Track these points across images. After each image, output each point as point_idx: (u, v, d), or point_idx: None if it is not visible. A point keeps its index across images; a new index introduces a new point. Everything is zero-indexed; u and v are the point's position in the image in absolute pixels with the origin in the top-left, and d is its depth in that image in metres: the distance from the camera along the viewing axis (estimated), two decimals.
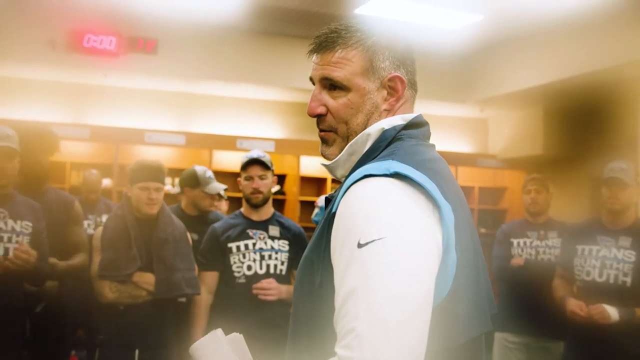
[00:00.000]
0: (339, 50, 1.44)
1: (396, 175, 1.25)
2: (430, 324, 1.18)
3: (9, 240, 3.19)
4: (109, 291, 3.28)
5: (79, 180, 7.26)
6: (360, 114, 1.44)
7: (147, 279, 3.30)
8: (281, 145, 8.20)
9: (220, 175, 8.22)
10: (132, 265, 3.30)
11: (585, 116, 8.02)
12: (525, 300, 4.37)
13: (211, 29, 7.37)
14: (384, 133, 1.41)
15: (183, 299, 3.46)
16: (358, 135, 1.42)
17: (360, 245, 1.17)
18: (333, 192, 1.44)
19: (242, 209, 3.73)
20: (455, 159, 8.63)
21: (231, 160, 8.45)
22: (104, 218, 5.25)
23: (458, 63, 8.32)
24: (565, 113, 8.35)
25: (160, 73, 7.41)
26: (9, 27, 6.71)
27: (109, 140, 7.75)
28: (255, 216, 3.66)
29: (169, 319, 3.43)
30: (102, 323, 3.42)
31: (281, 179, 8.69)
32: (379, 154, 1.37)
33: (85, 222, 5.57)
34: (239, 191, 3.76)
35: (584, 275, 3.69)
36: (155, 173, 3.43)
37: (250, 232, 3.59)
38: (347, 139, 1.46)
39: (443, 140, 9.38)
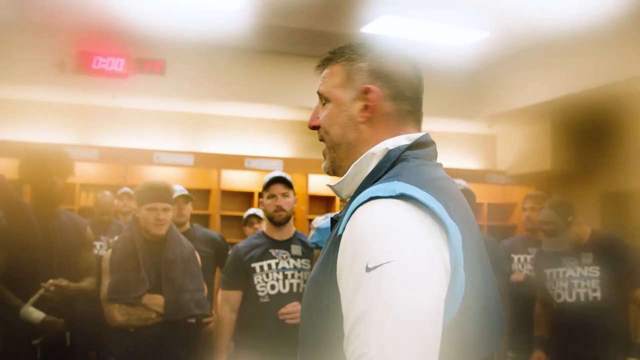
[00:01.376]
0: (329, 66, 1.51)
1: (402, 197, 1.24)
2: (442, 343, 1.16)
3: None
4: (118, 314, 3.28)
5: (88, 201, 7.29)
6: (336, 124, 1.47)
7: (156, 301, 3.30)
8: (289, 164, 8.21)
9: (229, 195, 8.27)
10: (141, 288, 3.30)
11: (593, 131, 8.01)
12: (524, 316, 4.39)
13: (218, 50, 7.42)
14: (389, 153, 1.40)
15: (192, 320, 3.45)
16: (362, 156, 1.42)
17: (368, 269, 1.16)
18: (339, 212, 1.44)
19: (264, 229, 3.77)
20: (463, 176, 8.56)
21: (240, 180, 8.46)
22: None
23: (465, 79, 8.34)
24: (573, 128, 8.34)
25: (168, 94, 7.44)
26: (18, 50, 6.77)
27: (118, 161, 7.77)
28: (278, 235, 3.70)
29: (179, 340, 3.43)
30: (113, 345, 3.42)
31: None
32: (384, 174, 1.37)
33: (98, 244, 5.59)
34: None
35: (556, 298, 3.83)
36: (162, 194, 3.45)
37: (272, 251, 3.64)
38: (332, 149, 1.50)
39: (451, 157, 9.38)
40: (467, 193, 4.12)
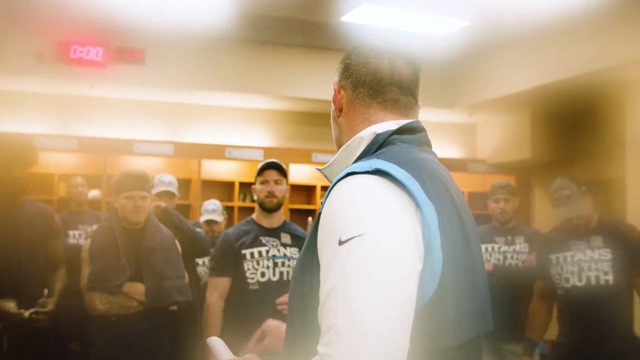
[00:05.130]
0: None
1: (378, 173, 1.27)
2: (417, 324, 1.19)
3: None
4: (99, 303, 3.27)
5: (66, 191, 7.24)
6: (332, 124, 1.61)
7: (137, 289, 3.30)
8: (270, 153, 8.19)
9: (210, 185, 8.25)
10: (121, 276, 3.30)
11: (573, 120, 8.07)
12: (494, 305, 4.37)
13: (198, 39, 7.37)
14: (376, 137, 1.44)
15: (174, 307, 3.45)
16: (350, 140, 1.47)
17: (341, 243, 1.18)
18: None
19: (253, 216, 3.74)
20: (444, 164, 8.56)
21: (220, 170, 8.44)
22: (94, 228, 5.24)
23: (445, 69, 8.36)
24: (553, 117, 8.40)
25: (147, 83, 7.39)
26: None
27: (98, 151, 7.71)
28: (267, 223, 3.67)
29: (161, 328, 3.42)
30: (95, 335, 3.41)
31: None
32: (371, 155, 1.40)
33: (76, 233, 5.56)
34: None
35: (564, 283, 3.71)
36: (140, 182, 3.45)
37: (263, 239, 3.61)
38: (337, 146, 1.57)
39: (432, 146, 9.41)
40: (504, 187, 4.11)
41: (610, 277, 3.58)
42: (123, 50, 7.13)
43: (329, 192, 1.31)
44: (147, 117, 8.23)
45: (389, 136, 1.43)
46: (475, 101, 8.30)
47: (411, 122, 1.50)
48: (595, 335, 3.59)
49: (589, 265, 3.63)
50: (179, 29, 7.04)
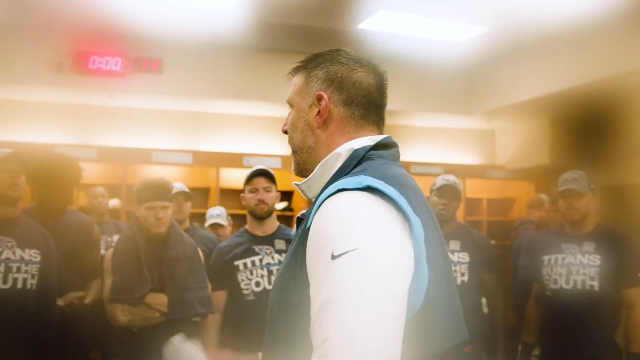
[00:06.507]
0: (295, 76, 1.64)
1: (369, 189, 1.30)
2: (407, 335, 1.22)
3: (19, 270, 3.18)
4: (121, 315, 3.25)
5: (87, 201, 7.27)
6: (297, 130, 1.58)
7: (159, 300, 3.28)
8: (288, 161, 8.16)
9: (228, 193, 8.24)
10: (144, 287, 3.28)
11: (592, 125, 7.99)
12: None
13: (215, 48, 7.40)
14: (354, 153, 1.47)
15: (197, 319, 3.43)
16: (329, 155, 1.49)
17: (334, 257, 1.21)
18: (304, 211, 1.52)
19: (247, 226, 3.71)
20: (463, 171, 8.60)
21: (238, 178, 8.44)
22: (115, 238, 5.26)
23: (464, 75, 8.32)
24: (572, 122, 8.32)
25: (166, 92, 7.42)
26: (16, 51, 6.74)
27: (117, 161, 7.75)
28: (260, 231, 3.63)
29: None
30: (117, 345, 3.40)
31: (289, 196, 8.67)
32: (350, 172, 1.44)
33: None
34: (241, 209, 3.75)
35: (552, 284, 3.76)
36: (160, 192, 3.43)
37: (256, 248, 3.56)
38: (295, 153, 1.60)
39: (451, 153, 9.37)
40: (453, 188, 4.03)
41: (596, 284, 3.62)
42: (141, 60, 7.16)
43: (318, 207, 1.33)
44: (166, 126, 8.26)
45: (367, 152, 1.47)
46: (494, 107, 8.25)
47: (386, 137, 1.53)
48: (574, 340, 3.63)
49: (577, 270, 3.67)
50: (196, 38, 7.07)
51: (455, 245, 4.03)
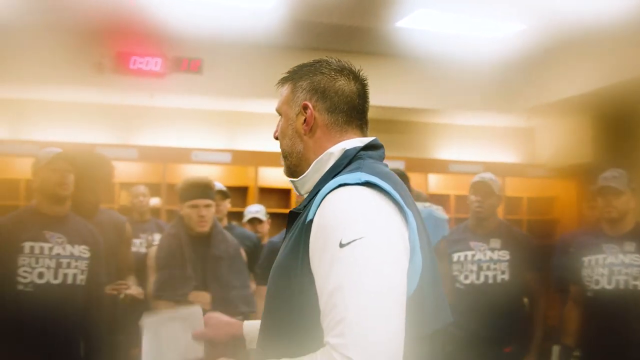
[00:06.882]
0: (283, 85, 1.75)
1: (367, 184, 1.41)
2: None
3: (68, 265, 3.24)
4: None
5: (128, 200, 7.35)
6: (286, 137, 1.69)
7: (203, 298, 3.30)
8: None
9: (266, 192, 8.28)
10: (187, 285, 3.31)
11: (634, 122, 7.86)
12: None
13: (254, 47, 7.44)
14: (346, 152, 1.58)
15: (240, 318, 3.44)
16: (322, 154, 1.60)
17: (342, 245, 1.31)
18: (296, 207, 1.61)
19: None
20: (502, 170, 8.51)
21: (277, 177, 8.47)
22: (156, 237, 5.31)
23: (502, 72, 8.24)
24: (613, 119, 8.19)
25: (205, 92, 7.48)
26: (56, 52, 6.85)
27: (157, 160, 7.83)
28: None
29: None
30: None
31: (284, 193, 8.63)
32: (342, 170, 1.54)
33: (137, 241, 5.63)
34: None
35: (593, 285, 3.67)
36: (203, 190, 3.46)
37: None
38: (285, 158, 1.70)
39: (490, 151, 9.29)
40: (486, 184, 3.97)
41: (639, 283, 3.54)
42: (181, 60, 7.24)
43: (320, 201, 1.42)
44: (205, 126, 8.33)
45: (357, 152, 1.58)
46: (534, 105, 8.17)
47: (374, 139, 1.65)
48: (618, 340, 3.55)
49: (619, 269, 3.60)
50: (235, 38, 7.11)
51: (495, 243, 3.97)
